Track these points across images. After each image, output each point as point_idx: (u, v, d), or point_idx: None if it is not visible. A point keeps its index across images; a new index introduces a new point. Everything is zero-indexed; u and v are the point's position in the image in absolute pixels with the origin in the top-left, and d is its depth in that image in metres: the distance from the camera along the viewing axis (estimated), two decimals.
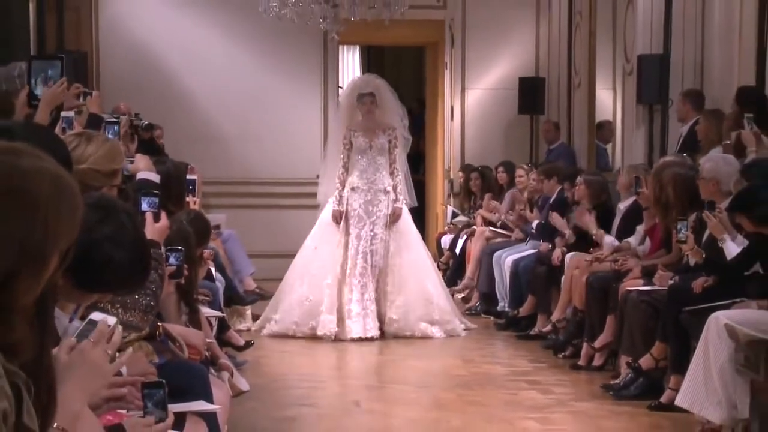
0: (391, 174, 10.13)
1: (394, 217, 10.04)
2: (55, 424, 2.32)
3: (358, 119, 10.20)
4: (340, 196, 10.09)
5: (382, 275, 9.94)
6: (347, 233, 10.00)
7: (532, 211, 10.95)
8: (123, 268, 2.43)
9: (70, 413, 2.38)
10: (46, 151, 1.98)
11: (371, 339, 9.64)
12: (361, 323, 9.68)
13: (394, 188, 10.10)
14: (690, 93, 9.62)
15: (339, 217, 10.06)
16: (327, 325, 9.70)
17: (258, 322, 10.03)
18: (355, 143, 10.10)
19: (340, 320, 9.76)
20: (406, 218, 10.23)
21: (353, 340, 9.59)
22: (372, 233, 9.94)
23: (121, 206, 2.98)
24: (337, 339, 9.64)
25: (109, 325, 2.52)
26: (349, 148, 10.14)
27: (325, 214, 10.28)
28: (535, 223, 10.65)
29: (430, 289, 10.05)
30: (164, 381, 3.03)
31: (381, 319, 9.85)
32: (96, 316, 2.57)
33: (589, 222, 8.96)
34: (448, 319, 10.03)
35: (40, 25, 9.97)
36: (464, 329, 10.11)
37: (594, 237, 8.88)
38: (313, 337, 9.66)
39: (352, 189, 10.07)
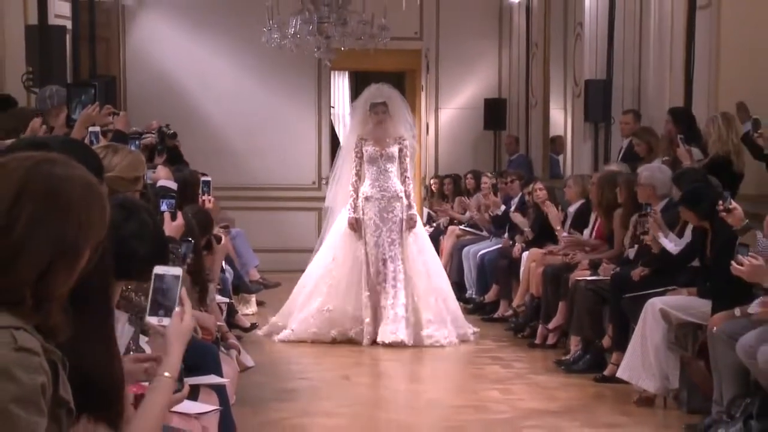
0: (403, 182, 8.86)
1: (411, 224, 8.79)
2: (167, 373, 2.43)
3: (369, 128, 8.87)
4: (355, 204, 8.80)
5: (407, 279, 8.60)
6: (365, 243, 8.70)
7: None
8: (145, 259, 2.41)
9: (178, 367, 2.48)
10: (80, 161, 1.98)
11: (402, 344, 8.33)
12: (388, 328, 8.41)
13: (407, 195, 8.83)
14: (635, 112, 9.66)
15: (355, 225, 8.75)
16: (368, 333, 8.46)
17: (266, 328, 8.82)
18: (366, 152, 8.83)
19: (375, 326, 8.51)
20: (419, 224, 9.10)
21: (384, 344, 8.33)
22: (390, 239, 8.67)
23: (142, 206, 2.97)
24: (377, 343, 8.40)
25: (179, 276, 2.50)
26: (360, 157, 8.86)
27: (339, 224, 8.95)
28: (502, 209, 10.61)
29: (445, 293, 8.91)
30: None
31: (418, 322, 8.53)
32: (159, 269, 2.51)
33: (558, 217, 8.92)
34: (460, 323, 8.83)
35: (75, 54, 9.92)
36: (472, 333, 8.88)
37: (556, 231, 8.85)
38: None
39: (366, 198, 8.77)
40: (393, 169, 8.83)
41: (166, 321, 2.49)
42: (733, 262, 5.25)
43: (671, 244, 6.67)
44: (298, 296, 8.84)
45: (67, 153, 2.35)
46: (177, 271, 2.53)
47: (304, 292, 8.81)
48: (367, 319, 8.50)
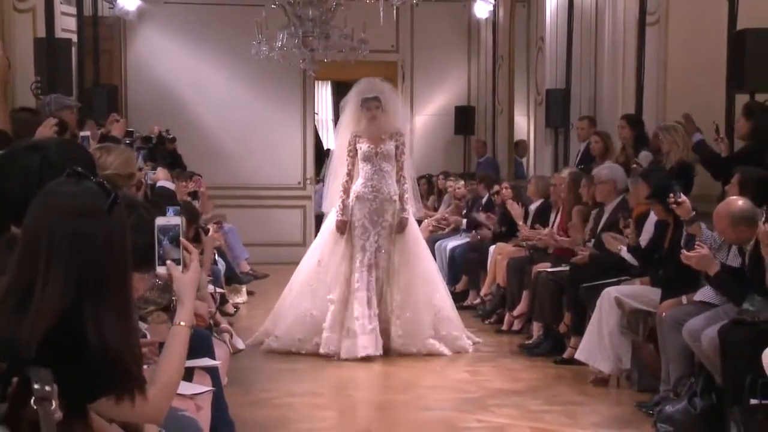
0: (398, 182, 7.59)
1: (400, 228, 7.53)
2: (182, 322, 2.40)
3: (362, 125, 7.62)
4: (344, 206, 7.55)
5: (387, 289, 7.47)
6: (352, 245, 7.51)
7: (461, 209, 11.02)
8: (144, 249, 2.38)
9: (192, 315, 2.45)
10: (75, 160, 1.95)
11: (374, 357, 7.20)
12: (366, 340, 7.20)
13: (401, 197, 7.56)
14: (591, 118, 9.69)
15: (343, 228, 7.51)
16: (329, 343, 7.28)
17: (256, 335, 7.75)
18: (360, 150, 7.55)
19: (346, 337, 7.26)
20: (413, 228, 7.73)
21: (360, 359, 7.14)
22: (376, 245, 7.44)
23: (141, 204, 2.96)
24: (340, 358, 7.19)
25: (179, 225, 2.44)
26: (353, 155, 7.58)
27: (327, 225, 7.76)
28: (464, 223, 10.65)
29: (438, 303, 7.61)
30: None
31: (387, 335, 7.36)
32: (159, 221, 2.43)
33: (520, 213, 8.94)
34: (456, 335, 7.59)
35: (80, 65, 9.87)
36: (471, 344, 7.71)
37: (519, 226, 8.87)
38: (316, 355, 7.27)
39: (357, 198, 7.51)
40: (389, 168, 7.57)
41: (174, 270, 2.43)
42: (683, 251, 5.29)
43: (629, 256, 6.61)
44: (284, 301, 7.74)
45: (63, 153, 2.34)
46: (176, 220, 2.45)
47: (288, 297, 7.70)
48: (337, 332, 7.29)
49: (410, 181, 7.80)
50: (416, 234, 7.79)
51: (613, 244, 6.65)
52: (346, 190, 7.60)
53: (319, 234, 7.94)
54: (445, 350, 7.47)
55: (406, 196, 7.63)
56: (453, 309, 7.81)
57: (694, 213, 5.51)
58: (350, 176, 7.63)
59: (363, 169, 7.58)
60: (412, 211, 7.72)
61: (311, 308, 7.47)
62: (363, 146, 7.56)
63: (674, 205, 5.55)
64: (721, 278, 5.25)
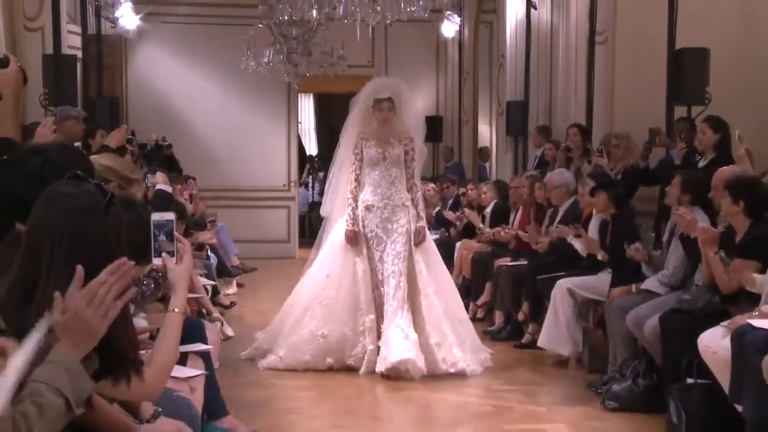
0: (409, 190, 6.45)
1: (420, 237, 6.35)
2: (176, 309, 2.39)
3: (372, 127, 6.46)
4: (354, 215, 6.40)
5: (413, 299, 6.23)
6: (369, 258, 6.35)
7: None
8: (139, 246, 2.37)
9: (185, 302, 2.44)
10: (75, 164, 1.94)
11: (407, 371, 6.00)
12: (403, 348, 6.00)
13: (415, 204, 6.43)
14: (543, 128, 9.73)
15: (354, 239, 6.35)
16: (369, 361, 6.16)
17: (250, 350, 6.64)
18: (367, 154, 6.42)
19: (383, 345, 6.13)
20: (428, 238, 6.57)
21: (383, 375, 6.01)
22: (394, 252, 6.28)
23: (138, 202, 2.95)
24: (384, 374, 6.02)
25: (173, 221, 2.42)
26: (360, 159, 6.46)
27: (334, 237, 6.50)
28: (436, 210, 10.63)
29: (459, 314, 6.50)
30: None
31: (431, 348, 6.16)
32: (155, 216, 2.43)
33: (477, 218, 8.97)
34: (478, 346, 6.49)
35: (85, 78, 9.81)
36: (490, 356, 6.57)
37: (478, 229, 8.89)
38: (331, 370, 6.25)
39: (366, 208, 6.39)
40: (399, 174, 6.45)
41: (168, 261, 2.42)
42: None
43: (579, 244, 6.50)
44: (286, 317, 6.56)
45: (64, 156, 2.33)
46: (170, 215, 2.45)
47: (293, 313, 6.49)
48: (371, 347, 6.18)
49: (419, 189, 6.65)
50: (432, 242, 6.65)
51: (564, 231, 6.65)
52: (355, 198, 6.47)
53: (325, 247, 6.58)
54: (476, 366, 6.29)
55: (421, 204, 6.51)
56: (469, 321, 6.72)
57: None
58: (358, 182, 6.49)
59: (370, 176, 6.46)
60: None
61: (322, 327, 6.29)
62: (370, 150, 6.45)
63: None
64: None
